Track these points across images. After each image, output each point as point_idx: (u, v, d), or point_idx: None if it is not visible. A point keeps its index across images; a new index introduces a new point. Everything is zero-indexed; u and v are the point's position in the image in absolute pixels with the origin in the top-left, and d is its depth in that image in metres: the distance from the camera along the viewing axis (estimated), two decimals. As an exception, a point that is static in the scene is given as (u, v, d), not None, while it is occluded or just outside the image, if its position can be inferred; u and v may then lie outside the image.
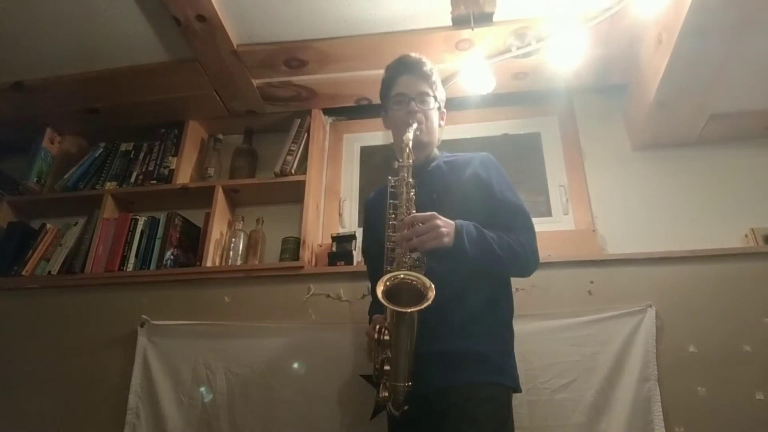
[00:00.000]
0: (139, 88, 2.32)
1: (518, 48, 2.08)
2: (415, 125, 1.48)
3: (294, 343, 1.95)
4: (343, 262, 2.11)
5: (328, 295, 2.03)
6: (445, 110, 1.67)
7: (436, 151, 1.62)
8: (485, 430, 1.24)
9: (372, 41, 2.08)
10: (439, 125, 1.63)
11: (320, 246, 2.29)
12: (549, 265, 1.95)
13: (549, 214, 2.28)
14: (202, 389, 1.93)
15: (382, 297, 1.21)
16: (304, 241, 2.17)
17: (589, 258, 1.98)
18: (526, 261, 1.41)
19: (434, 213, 1.32)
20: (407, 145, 1.43)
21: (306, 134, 2.42)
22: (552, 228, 2.20)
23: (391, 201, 1.43)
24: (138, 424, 1.91)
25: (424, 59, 1.60)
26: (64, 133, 2.65)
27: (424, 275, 1.26)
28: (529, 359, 1.78)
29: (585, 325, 1.83)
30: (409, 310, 1.20)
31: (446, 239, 1.30)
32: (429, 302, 1.18)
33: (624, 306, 1.84)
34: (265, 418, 1.86)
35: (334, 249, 2.18)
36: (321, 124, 2.52)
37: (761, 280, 1.84)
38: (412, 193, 1.40)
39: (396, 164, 1.44)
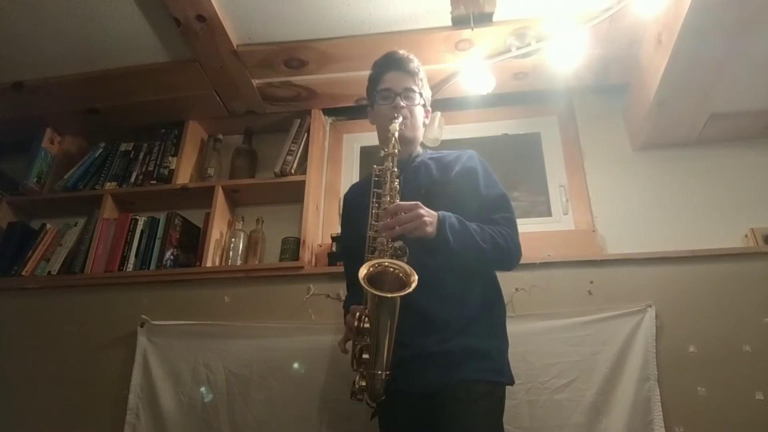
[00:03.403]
0: (139, 88, 2.32)
1: (518, 48, 2.08)
2: (400, 119, 1.48)
3: (294, 343, 1.95)
4: (343, 263, 2.11)
5: (328, 295, 2.03)
6: (430, 109, 1.67)
7: (419, 148, 1.61)
8: (482, 423, 1.24)
9: (372, 41, 2.08)
10: (424, 124, 1.62)
11: (320, 246, 2.29)
12: (549, 265, 1.96)
13: (549, 214, 2.28)
14: (203, 389, 1.93)
15: (364, 281, 1.19)
16: (303, 242, 2.17)
17: (588, 258, 1.98)
18: (509, 253, 1.40)
19: (418, 203, 1.31)
20: (393, 134, 1.43)
21: (306, 134, 2.42)
22: (552, 228, 2.20)
23: (375, 190, 1.41)
24: (138, 424, 1.91)
25: (411, 56, 1.60)
26: (63, 133, 2.65)
27: (415, 270, 1.23)
28: (529, 359, 1.78)
29: (585, 325, 1.83)
30: (391, 295, 1.17)
31: (429, 228, 1.28)
32: (411, 289, 1.17)
33: (624, 306, 1.84)
34: (265, 418, 1.86)
35: (333, 249, 2.18)
36: (321, 124, 2.52)
37: (761, 280, 1.84)
38: (396, 183, 1.39)
39: (382, 153, 1.43)
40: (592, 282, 1.92)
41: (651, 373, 1.74)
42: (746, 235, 2.03)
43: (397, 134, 1.44)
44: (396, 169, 1.41)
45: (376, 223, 1.37)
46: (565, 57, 2.06)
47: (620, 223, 2.16)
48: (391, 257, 1.28)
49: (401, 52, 1.61)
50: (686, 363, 1.76)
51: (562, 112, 2.46)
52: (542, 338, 1.82)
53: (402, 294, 1.17)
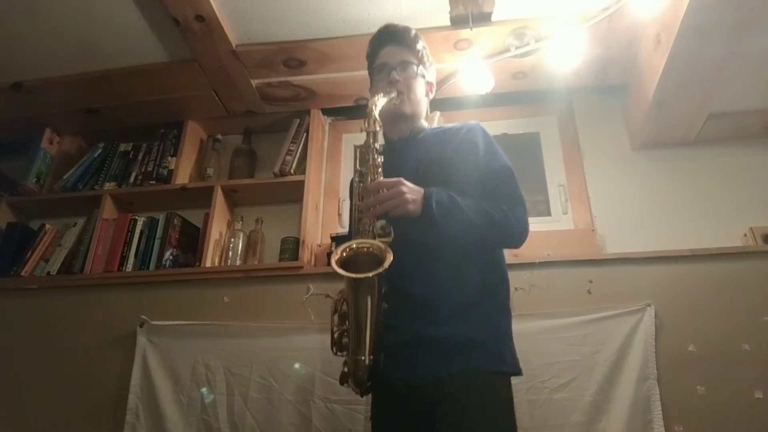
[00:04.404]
0: (138, 88, 2.32)
1: (517, 48, 2.08)
2: (393, 94, 1.41)
3: (293, 343, 1.95)
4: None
5: (328, 295, 2.03)
6: (433, 82, 1.59)
7: (423, 122, 1.52)
8: (484, 422, 1.16)
9: (371, 41, 2.08)
10: (427, 96, 1.55)
11: (319, 246, 2.29)
12: (548, 264, 1.96)
13: (548, 213, 2.28)
14: (204, 390, 1.92)
15: (337, 265, 1.14)
16: (303, 241, 2.17)
17: (588, 257, 1.98)
18: (509, 229, 1.29)
19: (400, 179, 1.23)
20: (372, 110, 1.34)
21: (305, 134, 2.42)
22: (551, 227, 2.20)
23: (358, 168, 1.36)
24: (137, 425, 1.91)
25: (408, 27, 1.52)
26: (63, 133, 2.65)
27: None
28: (529, 359, 1.77)
29: (584, 324, 1.83)
30: (355, 276, 1.12)
31: (411, 206, 1.20)
32: (385, 267, 1.10)
33: (623, 305, 1.84)
34: (265, 418, 1.86)
35: (333, 249, 2.18)
36: (320, 124, 2.52)
37: (760, 279, 1.84)
38: (379, 160, 1.32)
39: (360, 130, 1.36)
40: (591, 281, 1.92)
41: (650, 373, 1.74)
42: (745, 235, 2.04)
43: (376, 111, 1.34)
44: (377, 146, 1.33)
45: (360, 203, 1.31)
46: (564, 57, 2.06)
47: (619, 223, 2.16)
48: (374, 238, 1.21)
49: (396, 24, 1.53)
50: (685, 362, 1.77)
51: (561, 112, 2.46)
52: (542, 338, 1.82)
53: (372, 274, 1.11)
